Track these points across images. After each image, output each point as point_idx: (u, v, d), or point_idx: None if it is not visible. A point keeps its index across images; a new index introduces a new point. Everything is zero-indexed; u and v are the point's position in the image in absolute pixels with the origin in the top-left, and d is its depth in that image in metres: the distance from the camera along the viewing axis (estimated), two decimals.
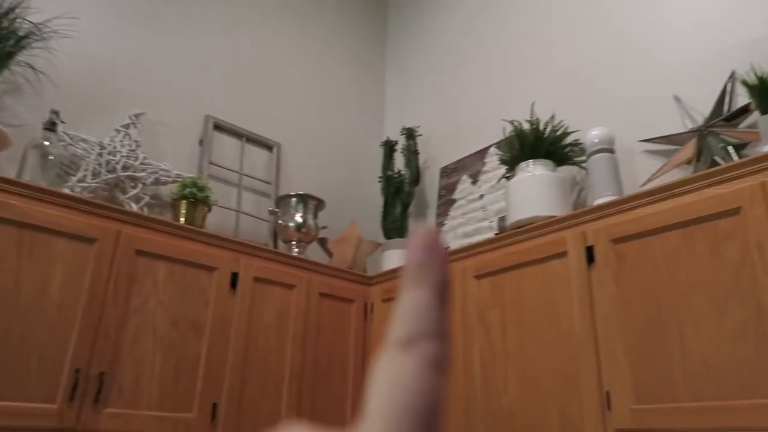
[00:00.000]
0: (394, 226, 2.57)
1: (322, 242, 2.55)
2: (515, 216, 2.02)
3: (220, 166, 2.51)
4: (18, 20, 1.99)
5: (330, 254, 2.51)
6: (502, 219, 2.32)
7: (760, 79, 1.63)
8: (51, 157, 1.94)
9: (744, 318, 1.35)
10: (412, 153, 2.70)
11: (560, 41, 2.51)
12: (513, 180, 2.09)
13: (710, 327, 1.40)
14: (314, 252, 2.56)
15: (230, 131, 2.62)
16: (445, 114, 2.93)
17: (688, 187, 1.57)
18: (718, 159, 1.83)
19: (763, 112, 1.63)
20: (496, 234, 2.26)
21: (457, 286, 2.03)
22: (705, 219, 1.49)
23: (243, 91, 2.74)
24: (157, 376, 1.75)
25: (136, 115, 2.25)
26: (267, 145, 2.72)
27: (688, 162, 1.93)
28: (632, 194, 1.69)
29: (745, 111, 1.84)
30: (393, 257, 2.44)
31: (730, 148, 1.82)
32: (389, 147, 2.78)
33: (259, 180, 2.63)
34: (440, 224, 2.56)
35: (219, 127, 2.58)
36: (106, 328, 1.70)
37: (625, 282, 1.60)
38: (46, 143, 1.93)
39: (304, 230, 2.37)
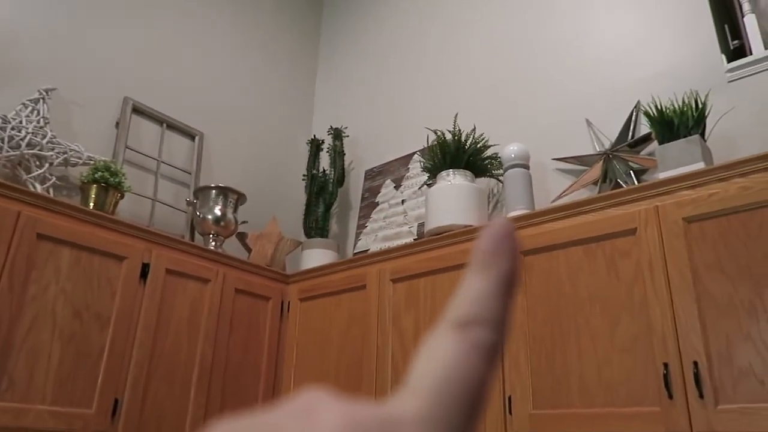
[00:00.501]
0: (316, 226, 2.57)
1: (241, 237, 2.51)
2: (433, 223, 2.08)
3: (137, 152, 2.41)
4: None
5: (249, 250, 2.47)
6: (421, 225, 2.37)
7: (659, 111, 1.77)
8: None
9: (634, 331, 1.46)
10: (338, 153, 2.71)
11: (484, 57, 2.60)
12: (433, 188, 2.15)
13: (604, 338, 1.51)
14: (232, 246, 2.51)
15: (150, 116, 2.52)
16: (372, 117, 2.96)
17: (592, 206, 1.68)
18: (620, 182, 1.96)
19: (660, 142, 1.77)
20: (415, 239, 2.31)
21: (374, 287, 2.06)
22: (605, 237, 1.60)
23: (167, 76, 2.64)
24: (54, 369, 1.66)
25: (47, 90, 2.12)
26: (189, 134, 2.64)
27: (595, 182, 2.06)
28: (543, 209, 1.79)
29: (646, 139, 1.99)
30: (313, 256, 2.43)
31: (632, 173, 1.96)
32: (316, 146, 2.78)
33: (179, 169, 2.55)
34: (362, 226, 2.59)
35: (138, 110, 2.47)
36: None
37: (532, 293, 1.69)
38: None
39: (222, 224, 2.32)
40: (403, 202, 2.51)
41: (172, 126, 2.59)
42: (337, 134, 2.77)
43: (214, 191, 2.36)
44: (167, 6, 2.72)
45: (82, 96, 2.32)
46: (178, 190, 2.53)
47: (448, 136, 2.24)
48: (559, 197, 2.11)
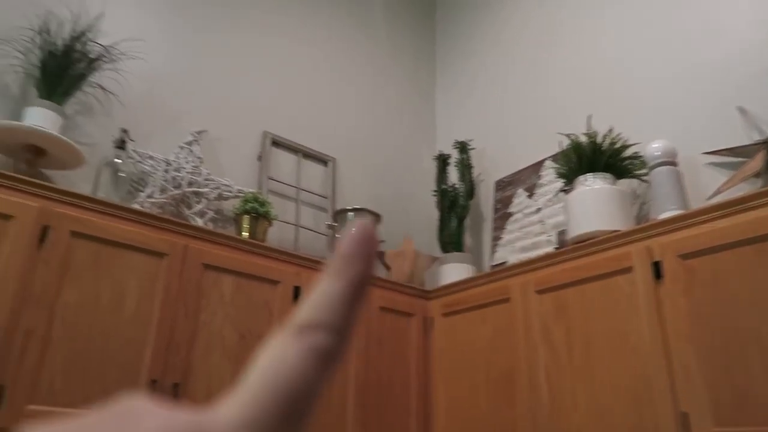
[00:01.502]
0: (451, 240, 2.57)
1: (380, 256, 2.57)
2: (576, 230, 2.00)
3: (278, 181, 2.56)
4: (89, 43, 2.08)
5: (387, 268, 2.53)
6: (561, 233, 2.30)
7: None
8: (122, 174, 2.02)
9: None
10: (465, 167, 2.70)
11: (617, 53, 2.48)
12: (572, 194, 2.07)
13: None
14: None
15: (287, 147, 2.67)
16: (498, 127, 2.93)
17: (761, 200, 1.53)
18: None
19: None
20: (556, 248, 2.24)
21: (518, 300, 2.02)
22: None
23: (298, 107, 2.79)
24: (226, 389, 1.79)
25: (198, 132, 2.32)
26: (322, 160, 2.77)
27: (757, 175, 1.88)
28: (700, 208, 1.66)
29: None
30: (451, 271, 2.44)
31: None
32: (442, 161, 2.79)
33: (316, 194, 2.68)
34: (497, 237, 2.56)
35: (276, 143, 2.63)
36: (178, 341, 1.75)
37: (698, 298, 1.57)
38: (118, 161, 2.01)
39: None
40: (538, 210, 2.45)
41: (307, 154, 2.73)
42: (463, 147, 2.77)
43: (350, 213, 2.44)
44: (295, 43, 2.88)
45: (227, 134, 2.51)
46: (316, 215, 2.65)
47: (583, 139, 2.16)
48: (716, 194, 1.95)
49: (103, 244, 1.71)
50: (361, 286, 0.21)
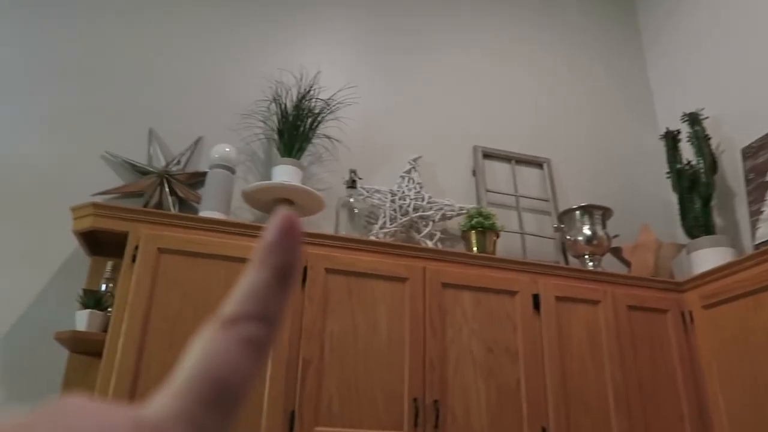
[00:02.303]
0: (697, 223, 2.31)
1: (616, 252, 2.42)
2: None
3: (496, 192, 2.57)
4: (313, 100, 2.33)
5: (627, 264, 2.36)
6: None
7: None
8: (356, 211, 2.21)
9: None
10: (701, 139, 2.41)
11: None
12: None
13: None
14: (609, 263, 2.43)
15: (499, 157, 2.67)
16: (733, 88, 2.57)
17: None
18: None
19: None
20: None
21: None
22: None
23: (503, 116, 2.78)
24: (483, 403, 1.82)
25: (414, 159, 2.43)
26: (536, 163, 2.71)
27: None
28: None
29: None
30: (705, 257, 2.18)
31: None
32: (671, 138, 2.53)
33: (536, 199, 2.62)
34: (756, 212, 2.23)
35: (487, 155, 2.65)
36: (430, 359, 1.83)
37: None
38: (351, 199, 2.20)
39: (595, 242, 2.27)
40: None
41: (520, 160, 2.69)
42: (694, 119, 2.48)
43: (577, 212, 2.33)
44: (488, 54, 2.89)
45: (440, 156, 2.59)
46: (539, 219, 2.59)
47: None
48: None
49: (353, 276, 1.87)
50: (286, 274, 0.20)
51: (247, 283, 0.20)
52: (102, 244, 1.92)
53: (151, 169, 2.15)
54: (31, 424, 0.15)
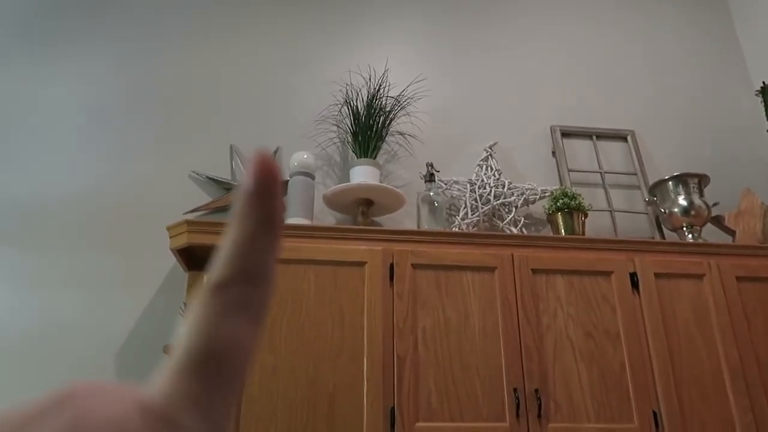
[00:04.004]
0: None
1: (718, 221, 2.26)
2: None
3: (579, 171, 2.47)
4: (383, 99, 2.34)
5: (730, 232, 2.21)
6: None
7: None
8: (436, 204, 2.19)
9: None
10: None
11: None
12: None
13: None
14: (710, 234, 2.28)
15: (578, 134, 2.57)
16: None
17: None
18: None
19: None
20: None
21: None
22: None
23: (579, 91, 2.68)
24: (587, 389, 1.76)
25: (491, 146, 2.38)
26: (620, 137, 2.58)
27: None
28: None
29: None
30: None
31: None
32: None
33: (622, 173, 2.50)
34: None
35: (566, 133, 2.56)
36: (527, 348, 1.79)
37: None
38: (431, 193, 2.19)
39: (693, 213, 2.14)
40: None
41: (601, 135, 2.58)
42: None
43: (670, 183, 2.20)
44: (562, 35, 2.79)
45: (517, 140, 2.53)
46: (627, 195, 2.47)
47: None
48: None
49: (441, 269, 1.86)
50: (270, 222, 0.19)
51: (231, 239, 0.19)
52: (197, 259, 2.01)
53: (235, 184, 2.23)
54: (37, 416, 0.14)
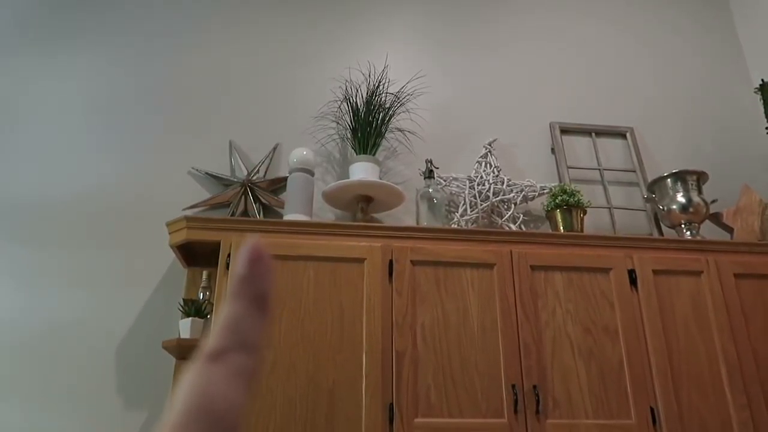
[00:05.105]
0: None
1: (716, 218, 2.27)
2: None
3: (578, 168, 2.48)
4: (383, 95, 2.34)
5: (728, 229, 2.21)
6: None
7: None
8: (435, 201, 2.19)
9: None
10: None
11: None
12: None
13: None
14: (708, 231, 2.29)
15: (577, 131, 2.57)
16: None
17: None
18: None
19: None
20: None
21: None
22: None
23: (578, 88, 2.68)
24: (585, 385, 1.76)
25: (490, 143, 2.39)
26: (618, 133, 2.59)
27: None
28: None
29: None
30: None
31: None
32: None
33: (621, 170, 2.50)
34: None
35: (565, 130, 2.56)
36: (526, 344, 1.79)
37: None
38: (430, 190, 2.19)
39: (691, 210, 2.14)
40: None
41: (600, 132, 2.58)
42: None
43: (669, 180, 2.21)
44: (561, 32, 2.79)
45: (516, 137, 2.53)
46: (626, 191, 2.48)
47: None
48: None
49: (440, 266, 1.86)
50: (260, 303, 0.21)
51: (225, 316, 0.21)
52: (196, 255, 2.01)
53: (234, 180, 2.23)
54: None
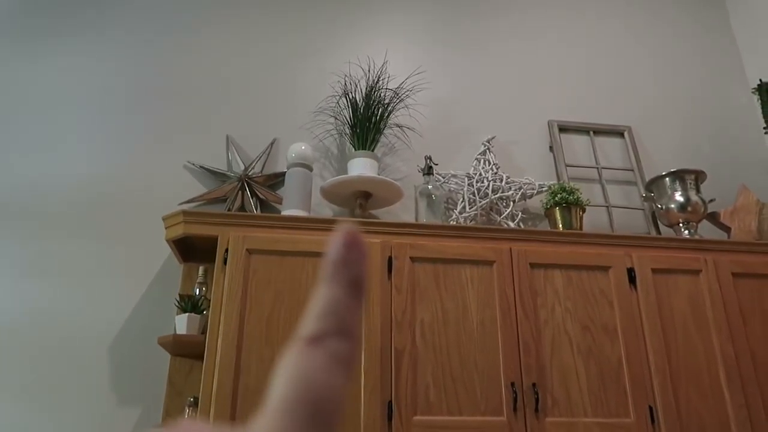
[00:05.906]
0: None
1: (713, 217, 2.27)
2: None
3: (576, 166, 2.47)
4: (382, 90, 2.32)
5: (726, 229, 2.22)
6: None
7: None
8: (434, 198, 2.18)
9: None
10: None
11: None
12: None
13: None
14: (706, 230, 2.29)
15: (575, 129, 2.57)
16: None
17: None
18: None
19: None
20: None
21: None
22: None
23: (577, 87, 2.67)
24: (584, 384, 1.76)
25: (489, 140, 2.38)
26: (616, 132, 2.59)
27: None
28: None
29: None
30: None
31: None
32: (766, 90, 2.36)
33: (619, 169, 2.50)
34: None
35: (563, 128, 2.55)
36: (525, 342, 1.79)
37: None
38: (429, 186, 2.17)
39: (689, 209, 2.14)
40: None
41: (598, 131, 2.58)
42: None
43: (667, 179, 2.21)
44: (561, 31, 2.78)
45: (514, 135, 2.52)
46: (625, 190, 2.48)
47: None
48: None
49: (439, 263, 1.85)
50: (356, 287, 0.21)
51: (321, 300, 0.21)
52: (192, 250, 1.99)
53: (231, 174, 2.21)
54: None
